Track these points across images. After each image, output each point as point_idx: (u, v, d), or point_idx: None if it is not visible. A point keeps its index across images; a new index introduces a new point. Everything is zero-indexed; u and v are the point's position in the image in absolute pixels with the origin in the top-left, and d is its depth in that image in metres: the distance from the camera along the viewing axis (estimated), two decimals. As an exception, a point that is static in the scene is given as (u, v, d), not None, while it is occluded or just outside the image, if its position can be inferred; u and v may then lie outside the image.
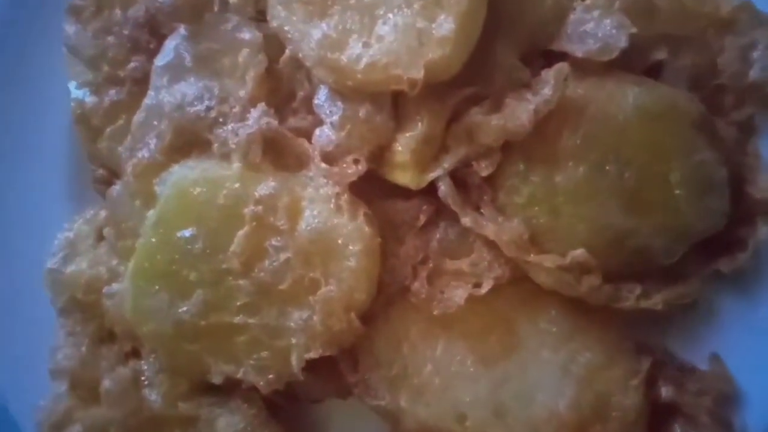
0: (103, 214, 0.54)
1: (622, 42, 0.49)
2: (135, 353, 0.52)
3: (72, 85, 0.55)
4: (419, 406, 0.50)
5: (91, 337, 0.52)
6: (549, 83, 0.49)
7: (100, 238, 0.54)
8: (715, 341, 0.53)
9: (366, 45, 0.47)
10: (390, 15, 0.47)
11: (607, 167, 0.50)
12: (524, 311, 0.52)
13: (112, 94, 0.54)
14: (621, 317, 0.53)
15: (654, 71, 0.55)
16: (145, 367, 0.51)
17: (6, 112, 0.56)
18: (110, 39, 0.54)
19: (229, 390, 0.50)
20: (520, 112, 0.48)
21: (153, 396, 0.50)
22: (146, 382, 0.51)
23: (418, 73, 0.47)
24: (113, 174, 0.54)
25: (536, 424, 0.48)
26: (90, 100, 0.54)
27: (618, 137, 0.50)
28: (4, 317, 0.54)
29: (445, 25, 0.46)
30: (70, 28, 0.54)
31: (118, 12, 0.54)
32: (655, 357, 0.52)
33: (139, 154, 0.50)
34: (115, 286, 0.50)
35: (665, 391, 0.50)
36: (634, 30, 0.50)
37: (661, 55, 0.54)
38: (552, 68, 0.49)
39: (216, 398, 0.50)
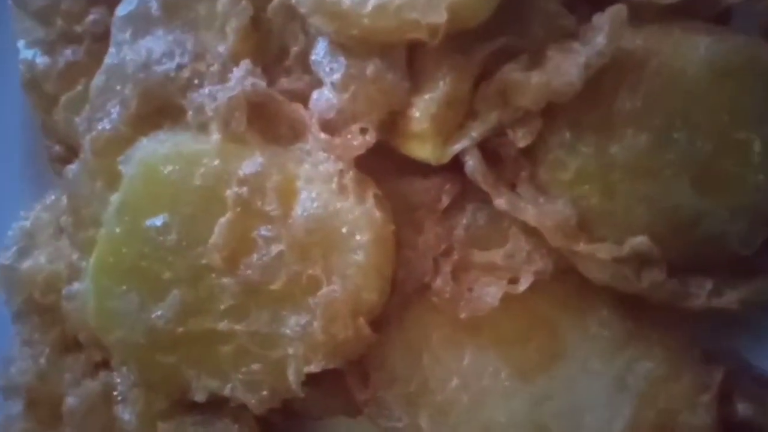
0: (63, 200, 0.48)
1: None
2: (105, 364, 0.47)
3: (21, 44, 0.50)
4: (444, 428, 0.46)
5: (52, 345, 0.47)
6: (602, 31, 0.42)
7: (62, 229, 0.48)
8: None
9: None
10: None
11: (675, 135, 0.44)
12: (570, 313, 0.47)
13: (68, 54, 0.49)
14: (688, 319, 0.48)
15: (723, 18, 0.49)
16: (118, 380, 0.46)
17: None
18: None
19: (215, 408, 0.45)
20: (566, 67, 0.42)
21: (126, 415, 0.45)
22: (119, 398, 0.46)
23: (440, 18, 0.41)
24: (72, 150, 0.49)
25: None
26: (42, 61, 0.49)
27: (687, 98, 0.44)
28: None
29: None
30: None
31: None
32: (729, 367, 0.47)
33: (100, 126, 0.44)
34: (76, 285, 0.44)
35: (742, 409, 0.45)
36: None
37: None
38: (607, 10, 0.43)
39: (201, 416, 0.45)
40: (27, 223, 0.49)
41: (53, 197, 0.50)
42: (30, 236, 0.49)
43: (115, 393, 0.46)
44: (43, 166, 0.52)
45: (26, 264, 0.48)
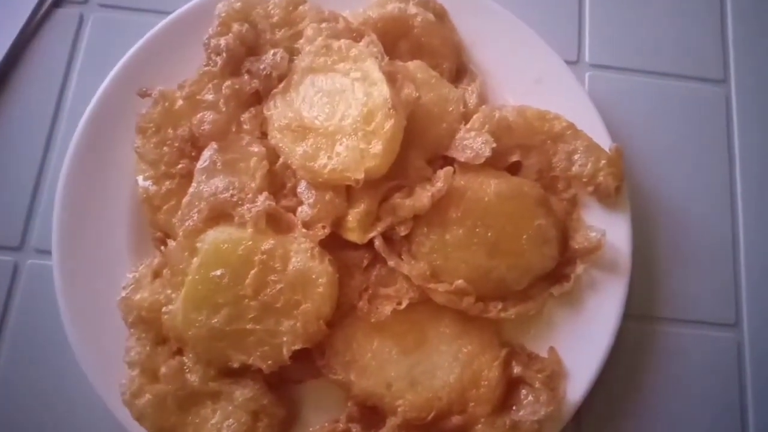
0: (156, 261, 0.66)
1: (487, 152, 0.65)
2: (179, 351, 0.64)
3: (140, 178, 0.67)
4: (362, 379, 0.63)
5: (152, 340, 0.64)
6: (441, 178, 0.64)
7: (155, 276, 0.65)
8: (552, 338, 0.67)
9: (330, 158, 0.62)
10: (344, 139, 0.63)
11: (477, 229, 0.64)
12: (429, 319, 0.65)
13: (167, 184, 0.66)
14: (490, 323, 0.66)
15: (515, 167, 0.71)
16: (186, 360, 0.63)
17: (98, 195, 0.69)
18: (165, 149, 0.66)
19: (242, 372, 0.62)
20: (423, 196, 0.63)
21: (192, 378, 0.62)
22: (187, 370, 0.63)
23: (361, 175, 0.61)
24: (167, 236, 0.66)
25: (436, 390, 0.62)
26: (152, 188, 0.67)
27: (485, 210, 0.65)
28: (97, 331, 0.65)
29: (376, 146, 0.61)
30: (139, 141, 0.67)
31: (170, 131, 0.67)
32: (511, 348, 0.66)
33: (187, 223, 0.63)
34: (170, 306, 0.62)
35: (516, 369, 0.64)
36: (494, 144, 0.66)
37: (516, 158, 0.70)
38: (443, 169, 0.64)
39: (234, 378, 0.62)
40: (136, 274, 0.67)
41: (149, 260, 0.67)
42: (137, 281, 0.66)
43: (185, 367, 0.63)
44: (147, 243, 0.68)
45: (137, 296, 0.64)
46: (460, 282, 0.64)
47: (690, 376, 0.74)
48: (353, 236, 0.64)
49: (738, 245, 0.80)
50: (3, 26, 0.80)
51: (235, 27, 0.68)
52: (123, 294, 0.66)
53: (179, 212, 0.65)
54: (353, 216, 0.64)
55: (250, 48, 0.70)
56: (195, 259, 0.63)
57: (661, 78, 0.86)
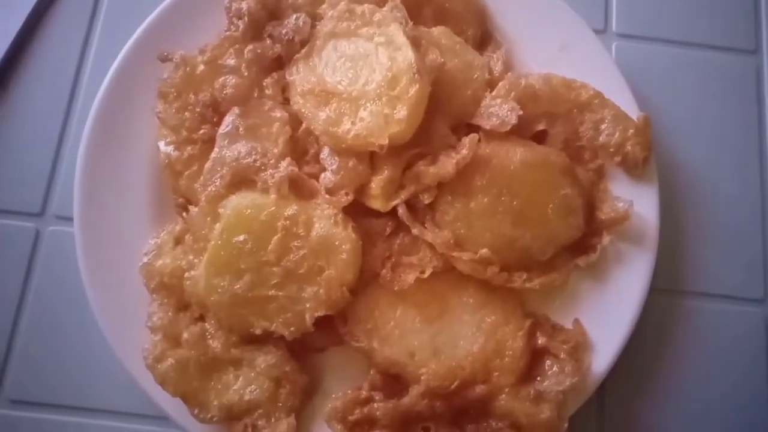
0: (178, 228, 0.67)
1: (514, 119, 0.65)
2: (201, 318, 0.64)
3: (161, 143, 0.68)
4: (385, 347, 0.63)
5: (174, 306, 0.64)
6: (466, 146, 0.63)
7: (177, 243, 0.66)
8: (577, 310, 0.67)
9: (353, 123, 0.62)
10: (368, 104, 0.62)
11: (503, 198, 0.64)
12: (452, 289, 0.65)
13: (189, 150, 0.66)
14: (514, 293, 0.66)
15: (540, 136, 0.70)
16: (208, 326, 0.63)
17: (118, 162, 0.69)
18: (187, 114, 0.66)
19: (264, 339, 0.62)
20: (448, 164, 0.63)
21: (214, 344, 0.63)
22: (209, 336, 0.63)
23: (384, 141, 0.60)
24: (189, 201, 0.66)
25: (459, 359, 0.62)
26: (174, 153, 0.66)
27: (510, 178, 0.64)
28: (118, 297, 0.66)
29: (401, 111, 0.61)
30: (160, 106, 0.67)
31: (192, 96, 0.66)
32: (535, 318, 0.66)
33: (209, 188, 0.63)
34: (192, 272, 0.62)
35: (540, 340, 0.64)
36: (521, 112, 0.65)
37: (541, 126, 0.69)
38: (468, 136, 0.64)
39: (256, 345, 0.63)
40: (158, 240, 0.67)
41: (170, 227, 0.67)
42: (159, 247, 0.66)
43: (207, 333, 0.63)
44: (168, 209, 0.68)
45: (158, 262, 0.65)
46: (484, 251, 0.64)
47: (716, 351, 0.74)
48: (376, 204, 0.64)
49: (767, 220, 0.78)
50: (21, -6, 0.80)
51: (257, -9, 0.69)
52: (145, 260, 0.67)
53: (201, 178, 0.64)
54: (376, 183, 0.63)
55: (272, 12, 0.69)
56: (217, 224, 0.62)
57: (691, 48, 0.84)
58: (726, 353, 0.73)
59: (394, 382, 0.64)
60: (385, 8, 0.67)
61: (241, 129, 0.65)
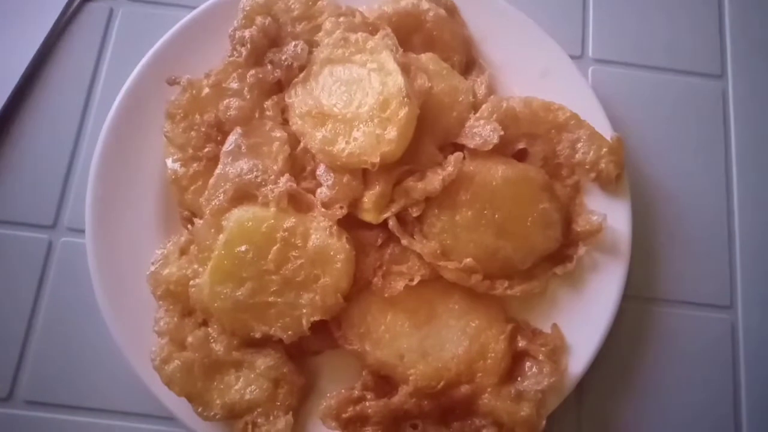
0: (183, 239, 0.68)
1: (495, 139, 0.68)
2: (205, 322, 0.67)
3: (169, 160, 0.70)
4: (376, 350, 0.65)
5: (179, 312, 0.67)
6: (452, 163, 0.66)
7: (183, 253, 0.68)
8: (555, 315, 0.70)
9: (347, 142, 0.65)
10: (361, 125, 0.65)
11: (485, 211, 0.67)
12: (439, 296, 0.67)
13: (195, 166, 0.69)
14: (497, 300, 0.68)
15: (521, 154, 0.73)
16: (211, 331, 0.66)
17: (128, 177, 0.72)
18: (193, 133, 0.69)
19: (264, 342, 0.65)
20: (435, 180, 0.66)
21: (217, 347, 0.65)
22: (212, 340, 0.66)
23: (376, 159, 0.63)
24: (194, 214, 0.68)
25: (445, 361, 0.65)
26: (180, 170, 0.69)
27: (492, 194, 0.67)
28: (127, 304, 0.68)
29: (392, 132, 0.64)
30: (167, 126, 0.70)
31: (198, 117, 0.69)
32: (516, 323, 0.68)
33: (213, 202, 0.66)
34: (197, 280, 0.64)
35: (521, 343, 0.67)
36: (502, 132, 0.69)
37: (522, 145, 0.72)
38: (454, 154, 0.67)
39: (256, 348, 0.65)
40: (164, 250, 0.69)
41: (176, 238, 0.69)
42: (165, 257, 0.68)
43: (210, 337, 0.66)
44: (174, 221, 0.71)
45: (165, 271, 0.67)
46: (468, 260, 0.67)
47: (686, 355, 0.77)
48: (369, 217, 0.66)
49: (733, 231, 0.82)
50: (38, 18, 0.85)
51: (259, 20, 0.71)
52: (152, 269, 0.69)
53: (206, 192, 0.68)
54: (369, 198, 0.66)
55: (273, 40, 0.73)
56: (221, 236, 0.66)
57: (661, 72, 0.89)
58: (695, 356, 0.76)
59: (384, 382, 0.66)
60: (377, 36, 0.71)
61: (243, 147, 0.68)
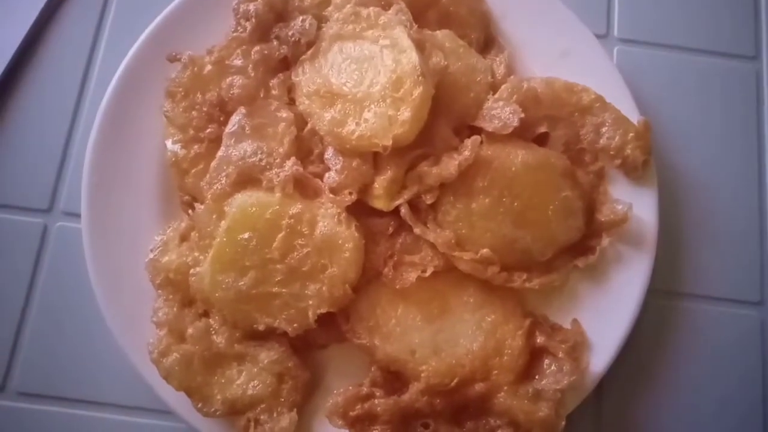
0: (183, 225, 0.67)
1: (515, 122, 0.65)
2: (206, 313, 0.65)
3: (168, 142, 0.68)
4: (386, 344, 0.63)
5: (179, 302, 0.65)
6: (468, 147, 0.64)
7: (183, 239, 0.66)
8: (576, 310, 0.68)
9: (357, 124, 0.63)
10: (372, 106, 0.63)
11: (504, 199, 0.65)
12: (453, 288, 0.65)
13: (196, 148, 0.67)
14: (514, 293, 0.66)
15: (542, 139, 0.71)
16: (212, 322, 0.64)
17: (126, 159, 0.69)
18: (194, 113, 0.67)
19: (267, 335, 0.63)
20: (450, 165, 0.63)
21: (219, 340, 0.63)
22: (213, 331, 0.64)
23: (388, 142, 0.61)
24: (195, 199, 0.67)
25: (459, 357, 0.63)
26: (181, 152, 0.67)
27: (511, 180, 0.65)
28: (124, 293, 0.66)
29: (405, 113, 0.61)
30: (167, 105, 0.68)
31: (199, 96, 0.67)
32: (535, 318, 0.66)
33: (215, 187, 0.63)
34: (197, 269, 0.63)
35: (539, 339, 0.65)
36: (523, 115, 0.66)
37: (543, 129, 0.70)
38: (471, 138, 0.65)
39: (259, 341, 0.63)
40: (164, 237, 0.67)
41: (176, 224, 0.68)
42: (165, 244, 0.67)
43: (211, 329, 0.64)
44: (174, 206, 0.69)
45: (164, 259, 0.66)
46: (485, 251, 0.64)
47: (713, 353, 0.74)
48: (379, 203, 0.64)
49: (765, 224, 0.79)
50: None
51: (264, -7, 0.70)
52: (151, 256, 0.67)
53: (207, 176, 0.65)
54: (380, 183, 0.64)
55: (279, 14, 0.70)
56: (223, 222, 0.63)
57: (691, 54, 0.85)
58: (722, 355, 0.74)
59: (394, 378, 0.64)
60: (390, 11, 0.68)
61: (247, 128, 0.66)
